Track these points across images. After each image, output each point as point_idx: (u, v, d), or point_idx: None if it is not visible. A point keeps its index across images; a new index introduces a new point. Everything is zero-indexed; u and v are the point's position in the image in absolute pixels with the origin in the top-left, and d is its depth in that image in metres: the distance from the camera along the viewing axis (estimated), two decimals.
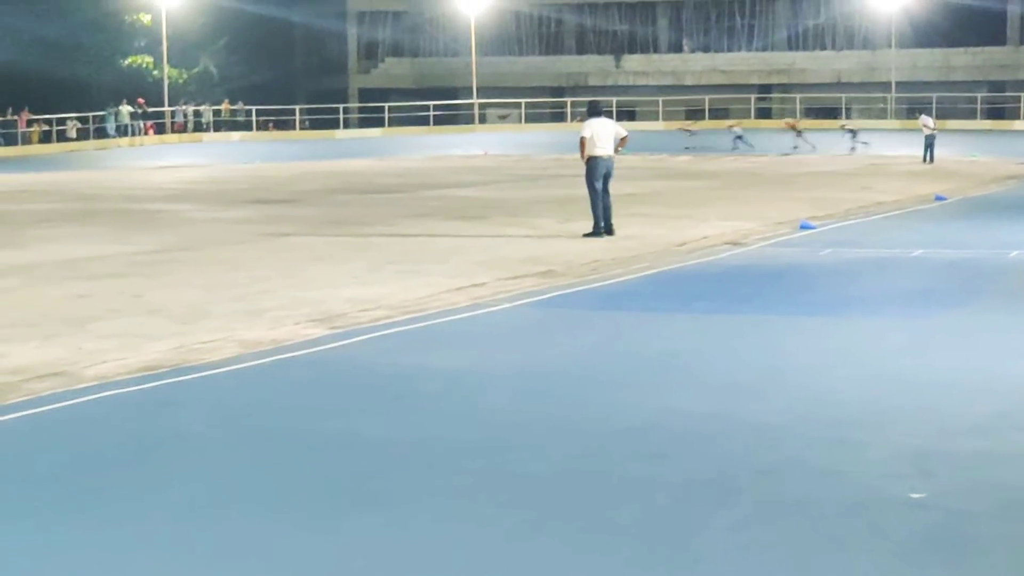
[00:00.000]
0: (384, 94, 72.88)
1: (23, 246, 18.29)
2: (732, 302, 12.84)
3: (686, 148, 47.73)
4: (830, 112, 67.39)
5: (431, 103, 67.72)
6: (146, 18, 66.41)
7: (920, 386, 8.76)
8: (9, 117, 56.34)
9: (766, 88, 73.15)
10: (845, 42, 73.87)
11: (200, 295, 13.25)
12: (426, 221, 21.57)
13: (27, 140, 56.02)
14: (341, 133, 66.09)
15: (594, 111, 19.46)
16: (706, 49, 76.39)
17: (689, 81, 74.13)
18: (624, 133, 19.38)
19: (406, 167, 40.87)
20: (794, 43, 75.01)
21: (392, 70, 78.94)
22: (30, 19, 57.16)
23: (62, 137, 57.16)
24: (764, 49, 75.16)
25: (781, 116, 69.40)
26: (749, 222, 20.56)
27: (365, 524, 6.02)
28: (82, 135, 57.63)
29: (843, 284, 14.08)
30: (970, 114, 63.83)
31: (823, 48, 74.30)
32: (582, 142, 18.91)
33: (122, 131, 58.63)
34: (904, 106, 64.04)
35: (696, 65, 75.65)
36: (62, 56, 59.84)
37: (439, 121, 67.23)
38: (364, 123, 69.97)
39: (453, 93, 71.17)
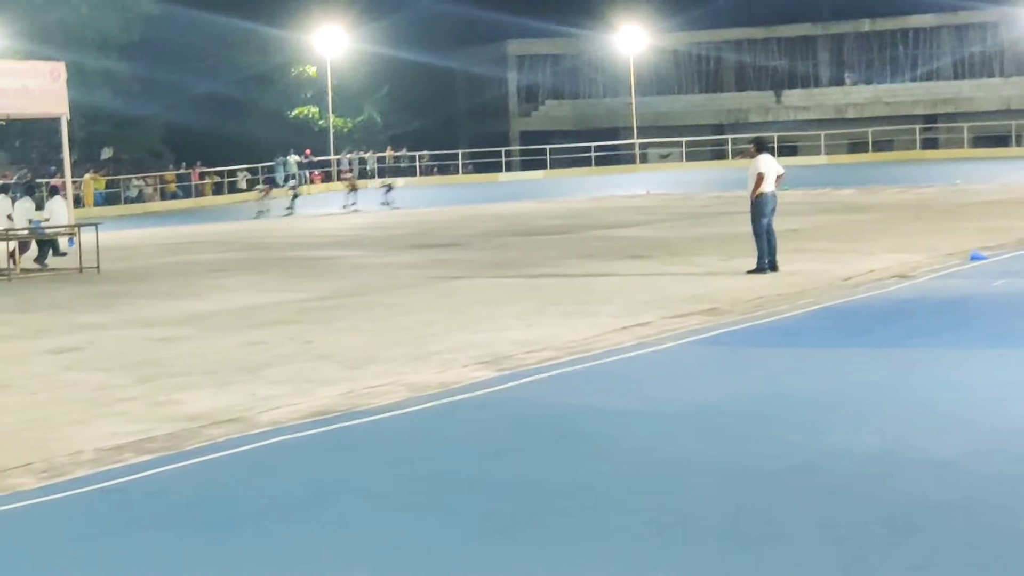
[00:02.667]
0: (545, 136, 73.42)
1: (198, 295, 18.79)
2: (902, 336, 12.59)
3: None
4: (1000, 140, 65.83)
5: (592, 144, 67.98)
6: (311, 70, 68.18)
7: None
8: (184, 171, 58.14)
9: (931, 118, 71.82)
10: (1014, 68, 72.24)
11: (368, 340, 13.47)
12: (590, 261, 21.59)
13: (200, 192, 57.74)
14: (503, 176, 66.66)
15: (763, 147, 19.35)
16: (868, 81, 75.43)
17: (851, 114, 73.25)
18: (782, 171, 19.23)
19: (569, 208, 40.99)
20: (959, 71, 73.61)
21: (552, 112, 79.49)
22: (202, 77, 59.05)
23: (233, 188, 58.75)
24: (928, 79, 73.91)
25: (948, 146, 68.08)
26: (917, 254, 20.14)
27: (535, 566, 6.03)
28: (252, 186, 59.10)
29: (1019, 315, 13.71)
30: None
31: (990, 75, 72.76)
32: (759, 178, 18.75)
33: (290, 180, 59.94)
34: None
35: (858, 97, 74.72)
36: (232, 110, 61.73)
37: (600, 162, 67.46)
38: (526, 166, 70.53)
39: (614, 133, 71.35)
